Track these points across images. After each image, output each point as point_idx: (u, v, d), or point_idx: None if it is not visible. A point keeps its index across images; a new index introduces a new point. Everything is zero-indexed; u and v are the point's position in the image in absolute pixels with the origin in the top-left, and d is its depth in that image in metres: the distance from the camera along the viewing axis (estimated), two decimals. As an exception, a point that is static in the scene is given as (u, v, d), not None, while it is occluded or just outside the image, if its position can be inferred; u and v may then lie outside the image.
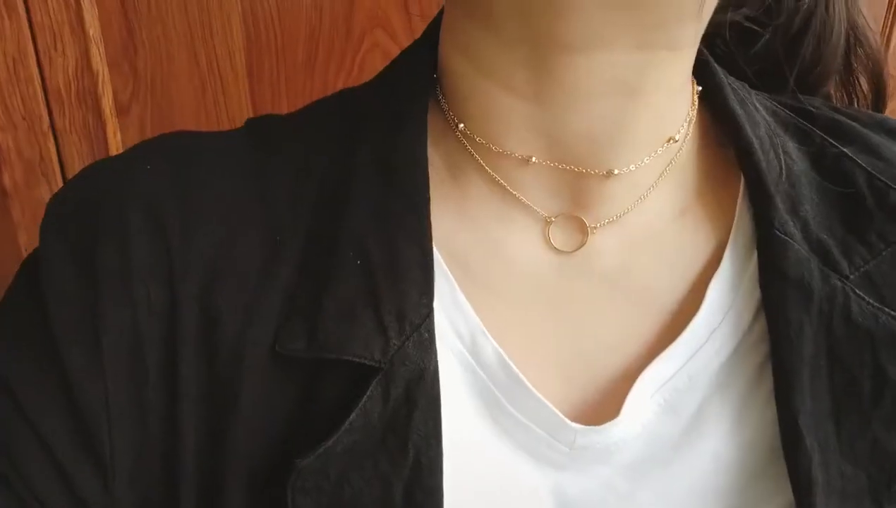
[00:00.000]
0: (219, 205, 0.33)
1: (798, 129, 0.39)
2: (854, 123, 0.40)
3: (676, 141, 0.35)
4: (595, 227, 0.35)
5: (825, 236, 0.35)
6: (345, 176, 0.34)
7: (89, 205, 0.33)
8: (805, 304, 0.34)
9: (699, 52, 0.36)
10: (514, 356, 0.34)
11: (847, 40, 0.43)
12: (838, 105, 0.43)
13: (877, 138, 0.39)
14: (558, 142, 0.33)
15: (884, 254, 0.35)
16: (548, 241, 0.35)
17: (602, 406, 0.35)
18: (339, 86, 0.75)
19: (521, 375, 0.34)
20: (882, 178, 0.36)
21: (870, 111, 0.44)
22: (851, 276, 0.35)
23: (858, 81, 0.45)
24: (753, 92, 0.40)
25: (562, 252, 0.35)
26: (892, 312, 0.34)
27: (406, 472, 0.32)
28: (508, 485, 0.35)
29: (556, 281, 0.36)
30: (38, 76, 0.62)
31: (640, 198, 0.35)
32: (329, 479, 0.31)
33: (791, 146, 0.38)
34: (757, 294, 0.35)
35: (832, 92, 0.45)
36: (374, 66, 0.72)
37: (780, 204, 0.35)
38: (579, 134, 0.33)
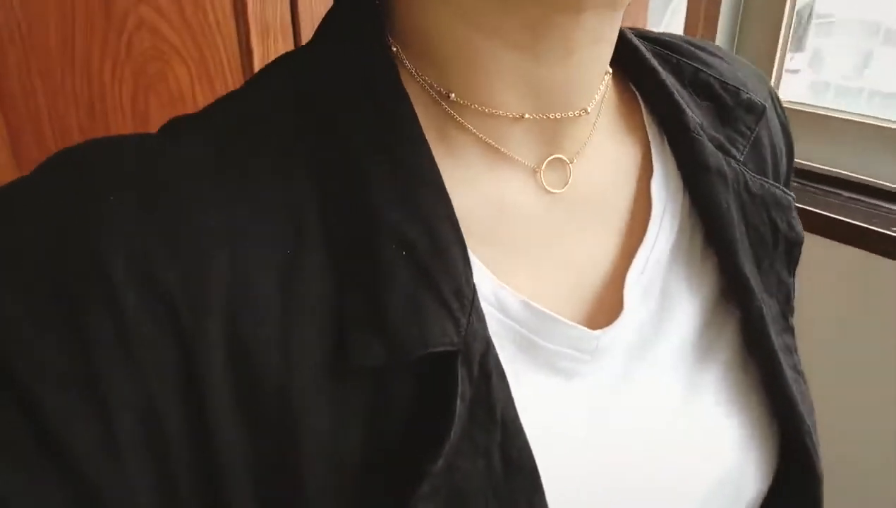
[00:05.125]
0: (210, 231, 0.30)
1: (657, 54, 0.46)
2: (682, 44, 0.48)
3: (609, 72, 0.43)
4: (573, 161, 0.40)
5: (713, 133, 0.44)
6: (347, 167, 0.33)
7: (54, 260, 0.28)
8: (724, 186, 0.43)
9: None
10: (529, 296, 0.37)
11: None
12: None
13: (702, 55, 0.48)
14: (547, 94, 0.37)
15: (751, 138, 0.46)
16: (539, 186, 0.39)
17: (602, 312, 0.40)
18: (107, 75, 0.69)
19: (546, 311, 0.36)
20: (730, 83, 0.46)
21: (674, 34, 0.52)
22: (741, 159, 0.44)
23: None
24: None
25: (550, 192, 0.39)
26: (769, 181, 0.45)
27: (498, 439, 0.33)
28: (549, 409, 0.37)
29: (547, 220, 0.39)
30: None
31: (593, 126, 0.41)
32: (441, 472, 0.31)
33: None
34: (681, 184, 0.44)
35: None
36: (143, 47, 0.68)
37: (688, 109, 0.43)
38: (564, 83, 0.37)
